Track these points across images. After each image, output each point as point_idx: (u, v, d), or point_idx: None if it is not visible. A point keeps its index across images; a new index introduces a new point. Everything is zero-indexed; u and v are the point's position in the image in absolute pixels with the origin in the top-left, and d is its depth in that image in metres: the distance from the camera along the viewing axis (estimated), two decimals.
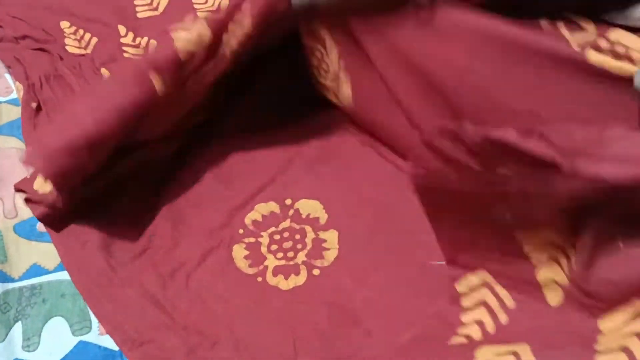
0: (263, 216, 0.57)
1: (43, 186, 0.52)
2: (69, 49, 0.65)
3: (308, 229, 0.56)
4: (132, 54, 0.64)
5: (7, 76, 0.65)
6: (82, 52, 0.65)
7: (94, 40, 0.66)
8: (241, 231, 0.55)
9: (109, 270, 0.51)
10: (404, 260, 0.52)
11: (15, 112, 0.62)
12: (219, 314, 0.50)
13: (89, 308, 0.49)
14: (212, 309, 0.50)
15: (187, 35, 0.51)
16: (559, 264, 0.44)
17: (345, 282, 0.52)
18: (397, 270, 0.52)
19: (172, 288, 0.51)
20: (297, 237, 0.55)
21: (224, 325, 0.49)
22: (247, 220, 0.56)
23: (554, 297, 0.44)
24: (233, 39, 0.53)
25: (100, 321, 0.49)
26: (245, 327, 0.49)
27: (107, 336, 0.48)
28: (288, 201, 0.57)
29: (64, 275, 0.51)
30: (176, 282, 0.51)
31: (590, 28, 0.46)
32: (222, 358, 0.47)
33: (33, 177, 0.53)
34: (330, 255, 0.53)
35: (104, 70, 0.62)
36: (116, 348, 0.47)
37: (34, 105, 0.62)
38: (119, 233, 0.54)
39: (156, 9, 0.67)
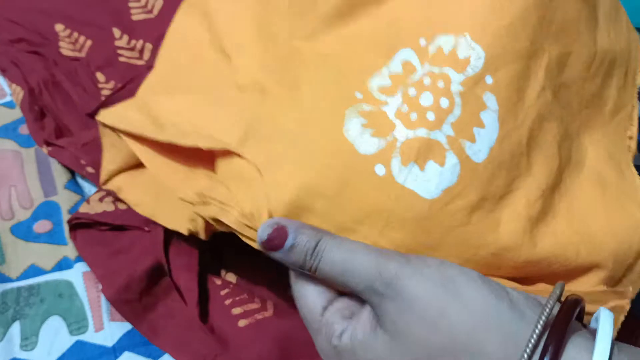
0: None
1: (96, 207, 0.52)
2: (63, 51, 0.65)
3: None
4: (127, 57, 0.64)
5: (1, 79, 0.65)
6: (77, 55, 0.65)
7: (89, 43, 0.66)
8: None
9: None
10: None
11: (11, 115, 0.62)
12: None
13: (89, 310, 0.50)
14: None
15: None
16: None
17: None
18: None
19: None
20: None
21: None
22: None
23: None
24: None
25: (164, 349, 0.47)
26: None
27: (103, 334, 0.48)
28: None
29: (62, 276, 0.52)
30: None
31: None
32: None
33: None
34: None
35: (99, 75, 0.62)
36: (111, 345, 0.48)
37: (36, 108, 0.62)
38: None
39: (151, 11, 0.67)
